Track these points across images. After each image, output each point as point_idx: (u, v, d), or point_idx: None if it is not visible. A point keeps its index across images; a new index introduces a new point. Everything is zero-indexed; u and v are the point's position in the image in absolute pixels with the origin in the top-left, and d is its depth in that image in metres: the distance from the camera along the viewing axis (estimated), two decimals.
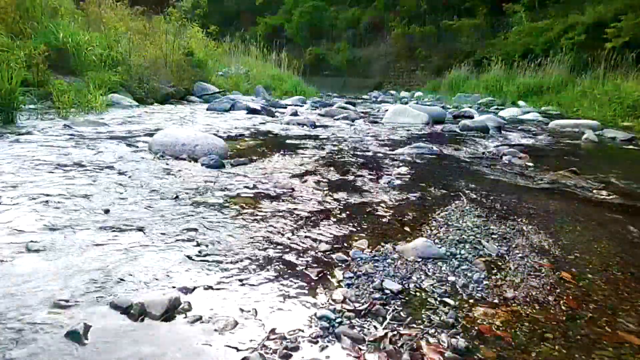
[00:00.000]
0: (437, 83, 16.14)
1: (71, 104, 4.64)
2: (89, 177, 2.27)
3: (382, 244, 1.63)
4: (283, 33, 23.82)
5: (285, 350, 0.97)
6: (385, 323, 1.11)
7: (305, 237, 1.67)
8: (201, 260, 1.39)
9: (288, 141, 4.07)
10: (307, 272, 1.37)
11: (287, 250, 1.53)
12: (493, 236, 1.79)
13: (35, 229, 1.54)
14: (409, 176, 2.81)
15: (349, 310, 1.15)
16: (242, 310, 1.13)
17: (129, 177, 2.35)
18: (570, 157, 4.12)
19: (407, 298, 1.25)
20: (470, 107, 8.94)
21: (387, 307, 1.19)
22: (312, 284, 1.30)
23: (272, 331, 1.04)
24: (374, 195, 2.32)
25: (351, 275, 1.36)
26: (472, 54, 16.43)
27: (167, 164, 2.72)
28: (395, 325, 1.10)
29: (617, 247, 1.76)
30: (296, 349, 0.98)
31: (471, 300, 1.26)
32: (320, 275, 1.35)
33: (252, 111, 6.34)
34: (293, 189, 2.33)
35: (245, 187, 2.32)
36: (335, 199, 2.21)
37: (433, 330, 1.09)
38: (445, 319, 1.13)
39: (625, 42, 10.25)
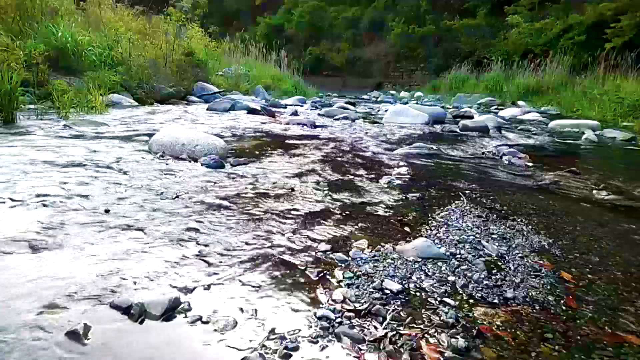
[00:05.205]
0: (437, 83, 16.14)
1: (71, 104, 4.63)
2: (89, 177, 2.26)
3: (382, 244, 1.63)
4: (283, 33, 23.81)
5: (285, 350, 0.97)
6: (385, 323, 1.11)
7: (305, 237, 1.67)
8: (201, 260, 1.39)
9: (288, 141, 4.07)
10: (307, 272, 1.37)
11: (287, 250, 1.53)
12: (493, 236, 1.79)
13: (35, 228, 1.54)
14: (409, 176, 2.80)
15: (349, 310, 1.15)
16: (242, 310, 1.13)
17: (129, 177, 2.35)
18: (570, 157, 4.12)
19: (407, 298, 1.25)
20: (470, 107, 8.94)
21: (387, 307, 1.19)
22: (312, 284, 1.30)
23: (272, 331, 1.04)
24: (374, 195, 2.32)
25: (351, 275, 1.36)
26: (472, 54, 16.45)
27: (167, 164, 2.72)
28: (395, 325, 1.10)
29: (617, 247, 1.76)
30: (296, 349, 0.98)
31: (471, 300, 1.26)
32: (320, 275, 1.35)
33: (252, 111, 6.34)
34: (293, 189, 2.33)
35: (245, 187, 2.32)
36: (335, 199, 2.21)
37: (433, 330, 1.09)
38: (445, 319, 1.13)
39: (625, 42, 10.26)
